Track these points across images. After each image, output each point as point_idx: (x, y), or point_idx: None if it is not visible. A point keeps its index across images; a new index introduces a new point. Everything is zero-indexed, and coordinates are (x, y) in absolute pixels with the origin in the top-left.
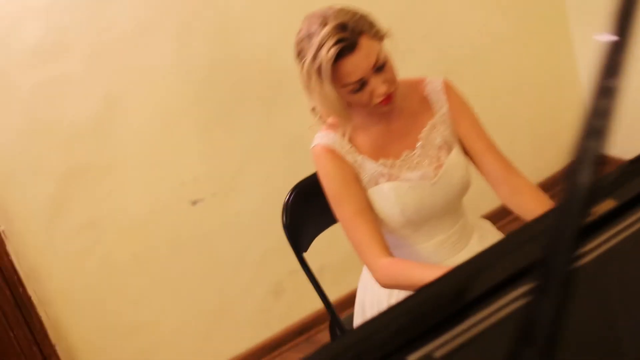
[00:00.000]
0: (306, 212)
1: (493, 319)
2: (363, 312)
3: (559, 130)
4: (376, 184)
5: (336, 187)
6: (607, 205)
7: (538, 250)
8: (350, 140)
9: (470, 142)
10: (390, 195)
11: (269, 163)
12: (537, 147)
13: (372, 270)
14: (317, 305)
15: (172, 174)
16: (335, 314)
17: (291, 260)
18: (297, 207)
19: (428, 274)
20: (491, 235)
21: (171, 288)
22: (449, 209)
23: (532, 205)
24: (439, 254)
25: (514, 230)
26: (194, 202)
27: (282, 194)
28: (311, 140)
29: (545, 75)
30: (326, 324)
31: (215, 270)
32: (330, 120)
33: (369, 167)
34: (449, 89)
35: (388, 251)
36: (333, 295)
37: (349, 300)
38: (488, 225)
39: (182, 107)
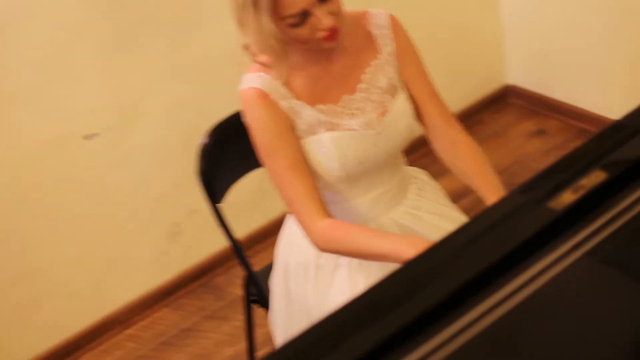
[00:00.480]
0: (225, 158)
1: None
2: (286, 273)
3: (474, 63)
4: (313, 133)
5: (269, 138)
6: (596, 177)
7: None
8: (285, 83)
9: (413, 89)
10: (330, 146)
11: (174, 94)
12: (453, 80)
13: (308, 232)
14: (215, 248)
15: (65, 104)
16: (251, 271)
17: (190, 199)
18: (215, 153)
19: (375, 241)
20: (428, 187)
21: (62, 231)
22: (390, 161)
23: (467, 164)
24: (375, 209)
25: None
26: (89, 136)
27: (185, 129)
28: (229, 72)
29: (464, 7)
30: (224, 268)
31: (110, 211)
32: (262, 58)
33: (306, 114)
34: (396, 25)
35: (327, 211)
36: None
37: (245, 245)
38: (423, 176)
39: (78, 28)
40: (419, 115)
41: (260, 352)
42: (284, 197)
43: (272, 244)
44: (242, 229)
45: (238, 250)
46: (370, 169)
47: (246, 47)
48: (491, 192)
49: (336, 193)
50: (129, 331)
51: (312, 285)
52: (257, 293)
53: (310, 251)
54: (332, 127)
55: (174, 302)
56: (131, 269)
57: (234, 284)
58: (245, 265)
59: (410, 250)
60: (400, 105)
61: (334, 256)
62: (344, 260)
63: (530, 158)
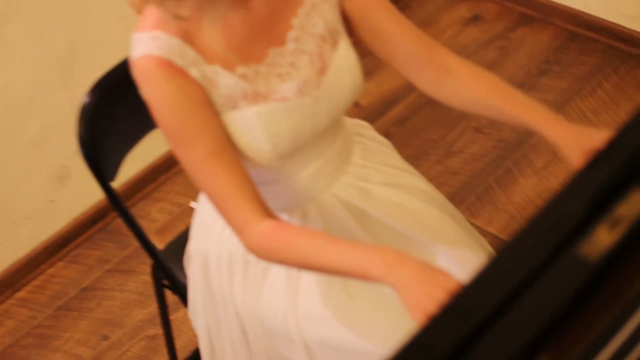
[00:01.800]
0: (114, 121)
1: None
2: (205, 266)
3: None
4: (235, 107)
5: (178, 120)
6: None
7: None
8: (192, 42)
9: (370, 17)
10: (257, 124)
11: (43, 14)
12: None
13: (242, 237)
14: None
15: None
16: (161, 260)
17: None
18: (100, 116)
19: (333, 252)
20: (374, 145)
21: None
22: (330, 127)
23: (480, 90)
24: (315, 186)
25: None
26: None
27: (61, 56)
28: None
29: None
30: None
31: None
32: (151, 11)
33: (224, 83)
34: None
35: (266, 209)
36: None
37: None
38: (367, 131)
39: None
40: (386, 52)
41: (180, 340)
42: (207, 193)
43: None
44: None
45: (142, 238)
46: (307, 142)
47: None
48: (538, 115)
49: (266, 172)
50: (20, 294)
51: (239, 284)
52: (169, 280)
53: (234, 243)
54: (257, 98)
55: (69, 254)
56: (14, 226)
57: None
58: (152, 254)
59: (380, 267)
60: (343, 58)
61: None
62: None
63: (468, 51)
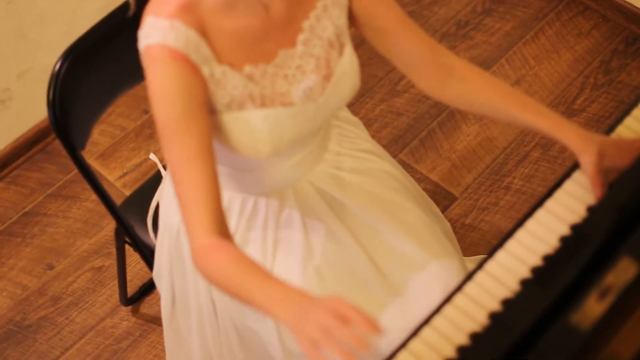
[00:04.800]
0: (85, 88)
1: None
2: (177, 238)
3: None
4: (241, 108)
5: (175, 115)
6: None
7: None
8: (207, 36)
9: (377, 20)
10: (262, 128)
11: None
12: None
13: (190, 246)
14: None
15: None
16: (124, 223)
17: (19, 60)
18: (71, 82)
19: (247, 283)
20: (347, 126)
21: None
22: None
23: (484, 93)
24: (298, 173)
25: None
26: None
27: None
28: None
29: None
30: None
31: None
32: None
33: (232, 85)
34: None
35: (219, 224)
36: None
37: None
38: (343, 113)
39: None
40: (389, 52)
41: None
42: (176, 189)
43: None
44: None
45: (110, 205)
46: (300, 140)
47: None
48: (551, 121)
49: (252, 161)
50: None
51: None
52: (131, 239)
53: None
54: (264, 101)
55: (9, 174)
56: None
57: None
58: (117, 217)
59: (281, 311)
60: (347, 63)
61: (241, 231)
62: (256, 236)
63: None
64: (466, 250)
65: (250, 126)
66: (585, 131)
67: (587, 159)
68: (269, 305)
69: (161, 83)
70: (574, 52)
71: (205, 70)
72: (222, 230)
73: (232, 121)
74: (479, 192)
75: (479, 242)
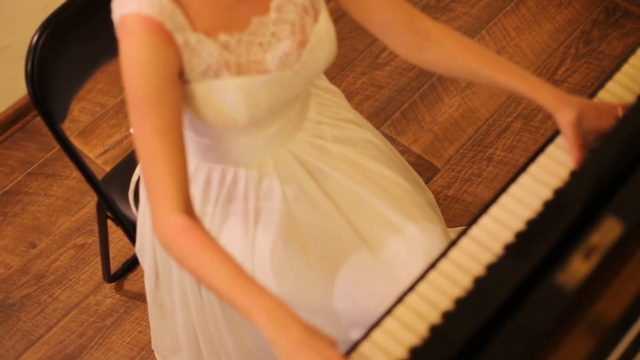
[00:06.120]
0: (64, 60)
1: None
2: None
3: None
4: (216, 76)
5: (148, 87)
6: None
7: None
8: (181, 4)
9: None
10: (238, 95)
11: None
12: None
13: (155, 222)
14: None
15: None
16: (106, 197)
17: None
18: (49, 54)
19: (228, 282)
20: (327, 95)
21: None
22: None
23: (463, 57)
24: (276, 142)
25: None
26: None
27: None
28: None
29: None
30: None
31: None
32: None
33: (207, 52)
34: None
35: (188, 203)
36: None
37: None
38: (320, 81)
39: None
40: (364, 18)
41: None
42: (142, 165)
43: None
44: None
45: (91, 180)
46: (279, 108)
47: None
48: (528, 82)
49: (230, 131)
50: None
51: None
52: (112, 214)
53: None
54: (239, 69)
55: None
56: None
57: None
58: (98, 191)
59: (263, 317)
60: (323, 31)
61: (222, 203)
62: (237, 207)
63: None
64: (450, 221)
65: (226, 94)
66: (563, 93)
67: (565, 119)
68: (251, 310)
69: (134, 55)
70: (554, 22)
71: (179, 39)
72: (189, 209)
73: (208, 89)
74: (462, 163)
75: (462, 214)
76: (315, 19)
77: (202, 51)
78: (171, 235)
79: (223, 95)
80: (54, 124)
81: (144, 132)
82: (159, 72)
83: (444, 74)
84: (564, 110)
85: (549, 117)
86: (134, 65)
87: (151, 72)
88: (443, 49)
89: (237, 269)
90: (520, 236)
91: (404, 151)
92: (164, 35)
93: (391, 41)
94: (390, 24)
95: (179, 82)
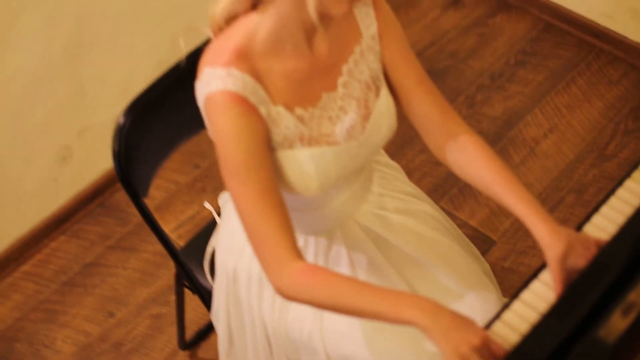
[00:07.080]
0: (147, 140)
1: None
2: (234, 279)
3: None
4: (291, 147)
5: (243, 155)
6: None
7: None
8: (261, 81)
9: (396, 72)
10: (309, 165)
11: (52, 3)
12: None
13: (274, 274)
14: (109, 165)
15: None
16: (184, 266)
17: (79, 118)
18: (134, 134)
19: (367, 295)
20: (389, 171)
21: None
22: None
23: (482, 169)
24: (344, 212)
25: None
26: None
27: (66, 41)
28: None
29: None
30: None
31: None
32: (222, 45)
33: (284, 125)
34: None
35: (298, 249)
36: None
37: None
38: (381, 157)
39: None
40: (405, 105)
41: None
42: (249, 226)
43: None
44: None
45: (172, 252)
46: (344, 179)
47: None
48: (530, 210)
49: (303, 201)
50: (24, 267)
51: (268, 300)
52: (189, 282)
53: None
54: (311, 141)
55: (71, 228)
56: (20, 203)
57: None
58: (177, 260)
59: (414, 310)
60: (384, 104)
61: None
62: None
63: (448, 38)
64: (506, 292)
65: (299, 163)
66: (557, 226)
67: (551, 256)
68: (401, 309)
69: (228, 126)
70: (604, 100)
71: (262, 110)
72: (301, 254)
73: (284, 158)
74: (517, 236)
75: (518, 285)
76: (377, 94)
77: (281, 123)
78: (297, 280)
79: (296, 163)
80: (137, 198)
81: (247, 198)
82: (252, 139)
83: (461, 178)
84: (553, 248)
85: (600, 190)
86: (229, 136)
87: (245, 139)
88: (465, 155)
89: (368, 284)
90: (564, 297)
91: (462, 225)
92: (250, 108)
93: (424, 134)
94: (425, 119)
95: (269, 147)
